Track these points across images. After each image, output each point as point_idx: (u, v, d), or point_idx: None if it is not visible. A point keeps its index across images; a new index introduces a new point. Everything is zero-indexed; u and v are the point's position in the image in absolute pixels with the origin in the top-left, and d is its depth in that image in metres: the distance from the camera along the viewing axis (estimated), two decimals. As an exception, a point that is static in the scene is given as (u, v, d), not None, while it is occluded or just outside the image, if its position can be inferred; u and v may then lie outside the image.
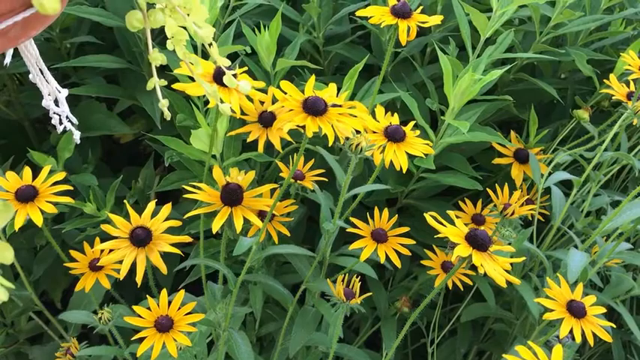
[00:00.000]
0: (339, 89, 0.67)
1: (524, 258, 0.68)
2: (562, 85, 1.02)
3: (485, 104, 0.83)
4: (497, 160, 0.89)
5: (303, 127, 0.54)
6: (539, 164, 0.84)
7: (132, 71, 0.98)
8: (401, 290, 0.94)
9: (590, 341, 0.63)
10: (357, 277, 0.66)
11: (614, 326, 0.67)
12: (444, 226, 0.59)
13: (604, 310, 0.66)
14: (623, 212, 0.70)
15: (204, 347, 0.71)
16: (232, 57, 0.86)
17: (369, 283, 0.96)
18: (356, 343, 0.94)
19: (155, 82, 0.46)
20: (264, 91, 0.69)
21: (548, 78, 1.00)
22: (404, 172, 0.63)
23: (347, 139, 0.60)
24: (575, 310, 0.64)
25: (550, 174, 0.80)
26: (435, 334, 0.90)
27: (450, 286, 0.79)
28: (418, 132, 0.66)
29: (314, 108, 0.55)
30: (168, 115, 0.47)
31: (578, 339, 0.61)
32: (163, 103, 0.46)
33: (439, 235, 0.58)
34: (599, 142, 0.80)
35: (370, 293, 0.91)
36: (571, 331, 0.64)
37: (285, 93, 0.58)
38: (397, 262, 0.70)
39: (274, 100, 0.66)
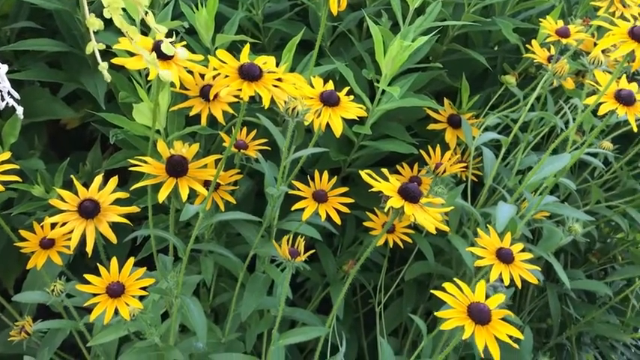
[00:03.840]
0: (278, 64, 0.70)
1: (452, 207, 0.73)
2: (493, 55, 1.07)
3: (418, 73, 0.87)
4: (431, 126, 0.93)
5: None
6: (472, 128, 0.89)
7: (74, 55, 0.99)
8: (349, 255, 0.98)
9: (518, 284, 0.68)
10: (301, 237, 0.69)
11: (540, 269, 0.72)
12: (379, 182, 0.63)
13: (531, 256, 0.71)
14: (545, 166, 0.76)
15: (157, 315, 0.74)
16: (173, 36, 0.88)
17: (318, 251, 1.00)
18: (308, 309, 0.98)
19: (94, 46, 0.48)
20: (205, 67, 0.72)
21: (479, 48, 1.06)
22: (338, 135, 0.66)
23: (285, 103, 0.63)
24: (504, 256, 0.69)
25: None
26: (381, 296, 0.94)
27: (391, 243, 0.83)
28: (352, 97, 0.70)
29: (249, 73, 0.58)
30: (108, 78, 0.49)
31: (507, 281, 0.66)
32: (103, 66, 0.49)
33: (373, 190, 0.62)
34: (525, 104, 0.85)
35: (313, 254, 0.95)
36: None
37: (223, 62, 0.61)
38: (337, 220, 0.74)
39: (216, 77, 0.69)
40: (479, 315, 0.52)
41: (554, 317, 1.06)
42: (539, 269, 0.71)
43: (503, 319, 0.55)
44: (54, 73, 1.00)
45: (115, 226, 0.72)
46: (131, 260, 0.67)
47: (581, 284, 1.01)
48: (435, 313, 0.54)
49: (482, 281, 0.56)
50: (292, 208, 0.75)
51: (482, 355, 0.51)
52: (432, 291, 0.57)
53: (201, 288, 0.92)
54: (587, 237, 1.13)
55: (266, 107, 0.57)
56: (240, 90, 0.58)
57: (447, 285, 0.55)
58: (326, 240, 1.06)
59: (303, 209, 0.76)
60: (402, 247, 0.85)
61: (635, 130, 0.68)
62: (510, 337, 0.55)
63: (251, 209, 1.04)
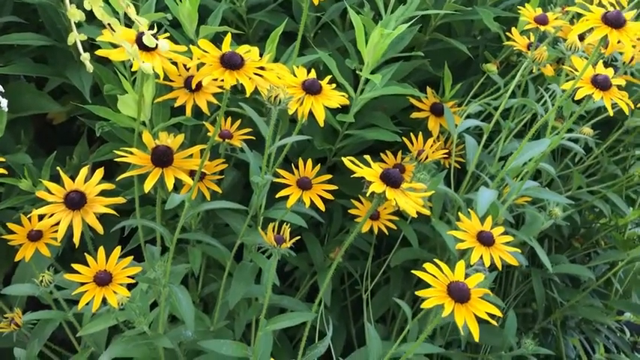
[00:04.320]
0: (262, 55, 0.71)
1: (433, 192, 0.74)
2: (475, 44, 1.09)
3: (400, 62, 0.88)
4: (415, 115, 0.95)
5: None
6: (454, 116, 0.90)
7: (59, 49, 0.99)
8: (336, 244, 0.99)
9: (499, 265, 0.69)
10: (286, 224, 0.70)
11: (520, 251, 0.74)
12: (362, 168, 0.64)
13: (511, 239, 0.73)
14: (525, 151, 0.77)
15: (146, 304, 0.75)
16: (157, 29, 0.89)
17: (305, 240, 1.02)
18: (296, 297, 0.99)
19: (75, 37, 0.49)
20: (189, 58, 0.72)
21: (462, 37, 1.07)
22: (321, 122, 0.67)
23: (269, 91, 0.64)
24: (484, 239, 0.70)
25: (463, 124, 0.87)
26: (368, 283, 0.96)
27: (376, 230, 0.85)
28: (334, 85, 0.71)
29: (231, 62, 0.58)
30: (90, 68, 0.50)
31: (487, 263, 0.68)
32: (85, 57, 0.50)
33: (355, 175, 0.63)
34: (506, 91, 0.86)
35: (301, 243, 0.97)
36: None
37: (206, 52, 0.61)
38: (321, 206, 0.75)
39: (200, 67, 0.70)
40: (458, 293, 0.54)
41: (538, 302, 1.08)
42: (520, 251, 0.73)
43: (485, 300, 0.56)
44: (39, 67, 1.00)
45: (103, 219, 0.72)
46: (118, 249, 0.68)
47: (565, 268, 1.03)
48: (416, 292, 0.55)
49: (461, 261, 0.57)
50: (277, 196, 0.76)
51: (463, 332, 0.53)
52: (413, 271, 0.58)
53: (189, 278, 0.93)
54: (571, 223, 1.15)
55: (248, 95, 0.58)
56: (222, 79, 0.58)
57: (427, 266, 0.57)
58: (313, 229, 1.08)
59: (288, 197, 0.77)
60: (387, 233, 0.86)
61: (612, 114, 0.69)
62: (493, 317, 0.57)
63: (238, 200, 1.04)
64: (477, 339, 0.53)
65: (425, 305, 0.54)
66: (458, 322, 0.52)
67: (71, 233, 0.69)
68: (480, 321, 1.05)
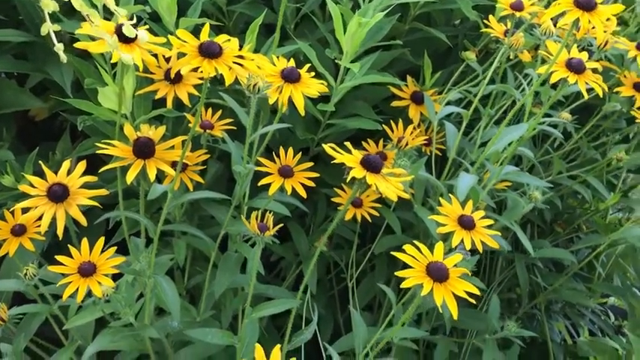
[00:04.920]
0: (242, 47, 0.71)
1: (412, 176, 0.75)
2: (455, 33, 1.10)
3: (380, 51, 0.89)
4: (395, 103, 0.96)
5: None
6: (434, 104, 0.91)
7: (39, 45, 0.99)
8: (320, 233, 1.00)
9: (479, 248, 0.70)
10: (269, 212, 0.71)
11: (500, 234, 0.75)
12: (342, 154, 0.65)
13: (491, 222, 0.74)
14: (503, 136, 0.78)
15: (131, 294, 0.75)
16: (137, 22, 0.89)
17: (290, 230, 1.02)
18: (282, 287, 1.00)
19: (49, 27, 0.49)
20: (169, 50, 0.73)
21: (442, 26, 1.08)
22: (301, 110, 0.68)
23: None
24: (465, 223, 0.71)
25: (444, 112, 0.88)
26: (353, 271, 0.97)
27: (359, 217, 0.86)
28: (313, 74, 0.72)
29: (209, 51, 0.59)
30: (64, 59, 0.50)
31: (468, 246, 0.69)
32: (59, 47, 0.50)
33: (336, 161, 0.64)
34: (484, 78, 0.87)
35: (286, 234, 0.97)
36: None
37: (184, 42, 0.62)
38: (303, 193, 0.76)
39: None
40: (437, 273, 0.55)
41: (522, 286, 1.09)
42: (500, 234, 0.74)
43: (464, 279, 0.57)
44: (20, 64, 1.00)
45: (87, 214, 0.73)
46: (101, 240, 0.69)
47: (547, 252, 1.05)
48: (396, 273, 0.56)
49: (440, 242, 0.58)
50: (259, 184, 0.77)
51: (441, 310, 0.54)
52: (392, 252, 0.59)
53: (175, 271, 0.94)
54: (553, 208, 1.17)
55: (227, 85, 0.58)
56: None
57: (407, 247, 0.58)
58: (298, 220, 1.08)
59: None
60: (370, 221, 0.87)
61: (586, 96, 0.70)
62: (473, 297, 0.57)
63: (223, 192, 1.05)
64: (455, 317, 0.54)
65: (404, 285, 0.55)
66: (437, 301, 0.53)
67: (56, 229, 0.69)
68: (465, 306, 1.06)
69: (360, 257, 0.99)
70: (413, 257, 0.57)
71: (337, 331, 1.09)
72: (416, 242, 0.58)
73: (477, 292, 0.55)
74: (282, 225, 1.05)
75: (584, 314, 1.33)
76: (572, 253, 1.10)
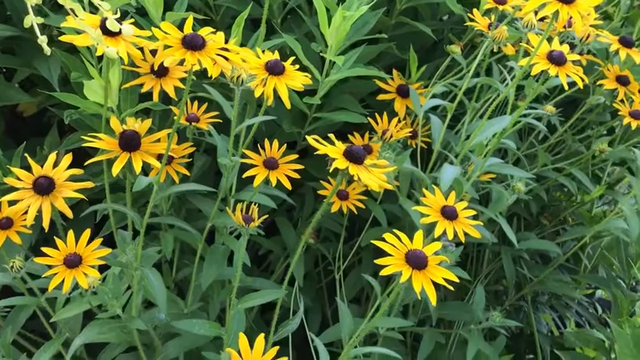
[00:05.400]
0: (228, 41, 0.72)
1: (395, 167, 0.76)
2: (441, 27, 1.11)
3: (365, 45, 0.89)
4: (381, 96, 0.96)
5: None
6: (420, 97, 0.92)
7: (26, 40, 0.99)
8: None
9: (462, 238, 0.71)
10: (255, 204, 0.71)
11: (482, 223, 0.76)
12: (325, 146, 0.66)
13: (474, 213, 0.75)
14: (486, 128, 0.79)
15: (118, 287, 0.75)
16: (124, 17, 0.89)
17: (278, 224, 1.03)
18: (270, 280, 1.01)
19: (32, 20, 0.49)
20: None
21: (428, 21, 1.09)
22: (286, 102, 0.69)
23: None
24: (448, 213, 0.72)
25: (429, 104, 0.89)
26: (340, 263, 0.97)
27: (345, 209, 0.86)
28: (298, 66, 0.72)
29: (192, 43, 0.59)
30: (48, 51, 0.51)
31: (450, 236, 0.70)
32: (42, 39, 0.50)
33: (319, 152, 0.64)
34: (469, 71, 0.88)
35: (274, 228, 0.98)
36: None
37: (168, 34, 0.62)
38: (287, 185, 0.76)
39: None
40: (416, 260, 0.55)
41: (508, 278, 1.10)
42: (482, 224, 0.75)
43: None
44: (7, 58, 1.00)
45: (75, 209, 0.73)
46: (87, 232, 0.69)
47: (533, 244, 1.06)
48: (375, 261, 0.57)
49: (420, 231, 0.59)
50: (243, 176, 0.77)
51: (420, 297, 0.55)
52: (372, 241, 0.60)
53: (163, 264, 0.94)
54: (538, 201, 1.18)
55: (211, 76, 0.59)
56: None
57: (387, 236, 0.58)
58: (286, 214, 1.09)
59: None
60: (357, 213, 0.88)
61: (567, 88, 0.71)
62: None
63: (210, 186, 1.06)
64: (433, 303, 0.55)
65: (383, 272, 0.55)
66: (415, 288, 0.54)
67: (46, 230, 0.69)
68: (452, 298, 1.07)
69: (347, 250, 1.00)
70: (393, 246, 0.57)
71: (325, 323, 1.10)
72: (396, 231, 0.59)
73: (456, 279, 0.56)
74: (270, 219, 1.07)
75: (570, 306, 1.34)
76: (558, 246, 1.11)
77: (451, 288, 0.55)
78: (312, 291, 1.09)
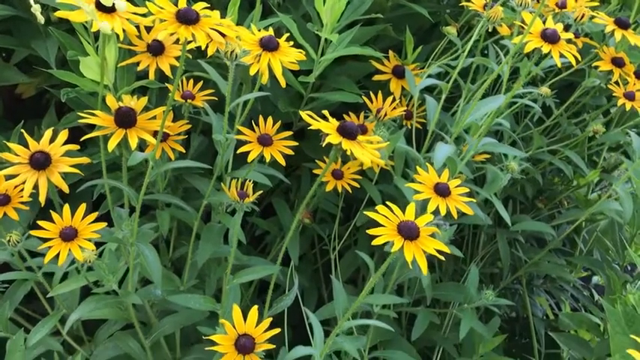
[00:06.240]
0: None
1: (387, 143, 0.76)
2: (438, 9, 1.11)
3: (360, 25, 0.90)
4: (377, 77, 0.97)
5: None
6: (415, 78, 0.93)
7: (24, 21, 0.99)
8: (304, 208, 1.01)
9: (454, 215, 0.72)
10: (250, 181, 0.72)
11: (475, 200, 0.76)
12: (319, 122, 0.66)
13: (467, 190, 0.75)
14: (479, 108, 0.80)
15: (114, 262, 0.76)
16: None
17: (275, 205, 1.04)
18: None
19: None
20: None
21: (425, 2, 1.09)
22: (280, 79, 0.69)
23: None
24: (441, 190, 0.72)
25: (424, 85, 0.89)
26: (336, 243, 0.98)
27: (340, 189, 0.87)
28: (292, 43, 0.73)
29: (186, 17, 0.60)
30: (41, 19, 0.51)
31: (443, 212, 0.70)
32: (36, 8, 0.51)
33: (312, 128, 0.65)
34: (463, 51, 0.89)
35: (271, 209, 0.99)
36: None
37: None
38: (282, 162, 0.77)
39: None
40: (407, 231, 0.56)
41: (503, 260, 1.11)
42: (474, 201, 0.75)
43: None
44: (5, 39, 1.00)
45: (72, 188, 0.74)
46: (83, 206, 0.70)
47: (527, 225, 1.06)
48: (367, 231, 0.57)
49: (412, 204, 0.60)
50: (237, 151, 0.78)
51: (411, 267, 0.55)
52: (364, 212, 0.60)
53: (160, 243, 0.95)
54: (534, 184, 1.19)
55: (204, 49, 0.59)
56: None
57: (379, 207, 0.59)
58: (283, 195, 1.10)
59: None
60: (351, 192, 0.89)
61: (559, 65, 0.72)
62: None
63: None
64: (424, 272, 0.55)
65: (375, 242, 0.56)
66: (407, 258, 0.55)
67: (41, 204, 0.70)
68: (448, 280, 1.07)
69: (344, 232, 1.01)
70: (386, 217, 0.58)
71: (322, 304, 1.10)
72: (389, 203, 0.59)
73: (447, 250, 0.57)
74: (267, 201, 1.07)
75: (565, 289, 1.35)
76: (554, 229, 1.12)
77: (442, 258, 0.56)
78: (308, 272, 1.09)
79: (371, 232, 0.56)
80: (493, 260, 1.20)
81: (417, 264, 0.55)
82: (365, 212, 0.59)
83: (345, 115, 0.93)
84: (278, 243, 1.03)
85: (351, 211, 1.08)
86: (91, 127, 0.76)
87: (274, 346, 0.63)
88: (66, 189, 0.70)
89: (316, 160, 0.91)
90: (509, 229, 1.07)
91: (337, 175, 0.88)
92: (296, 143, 0.80)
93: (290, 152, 0.78)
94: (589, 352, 1.07)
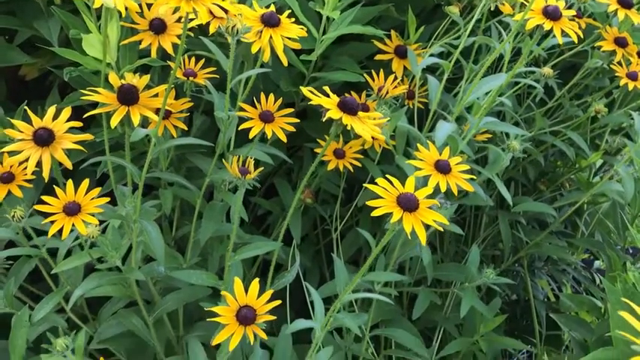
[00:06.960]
0: None
1: (387, 119, 0.76)
2: (441, -10, 1.10)
3: (362, 4, 0.90)
4: (379, 57, 0.97)
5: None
6: (417, 57, 0.93)
7: (27, 1, 1.00)
8: (306, 188, 1.02)
9: (455, 191, 0.72)
10: (251, 158, 0.72)
11: (475, 178, 0.77)
12: (319, 97, 0.67)
13: (468, 167, 0.75)
14: (480, 86, 0.80)
15: (118, 238, 0.77)
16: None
17: (277, 185, 1.04)
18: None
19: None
20: None
21: (428, -18, 1.09)
22: (280, 54, 0.69)
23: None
24: (441, 167, 0.73)
25: (426, 64, 0.89)
26: (338, 223, 0.99)
27: (341, 168, 0.87)
28: (294, 19, 0.73)
29: (187, -9, 0.60)
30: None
31: (443, 188, 0.71)
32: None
33: (312, 103, 0.65)
34: (465, 30, 0.89)
35: (273, 189, 0.99)
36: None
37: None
38: (283, 138, 0.77)
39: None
40: (407, 203, 0.56)
41: (505, 241, 1.11)
42: (475, 178, 0.76)
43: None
44: (8, 19, 1.01)
45: (75, 167, 0.74)
46: (86, 182, 0.70)
47: (529, 206, 1.06)
48: (367, 202, 0.58)
49: (411, 177, 0.60)
50: (239, 128, 0.78)
51: (410, 237, 0.56)
52: (364, 185, 0.61)
53: (163, 222, 0.95)
54: (536, 167, 1.19)
55: (204, 23, 0.60)
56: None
57: (379, 180, 0.59)
58: (285, 176, 1.10)
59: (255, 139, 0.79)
60: (353, 172, 0.89)
61: (561, 42, 0.72)
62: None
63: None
64: (423, 243, 0.56)
65: (375, 213, 0.56)
66: (406, 229, 0.55)
67: (45, 183, 0.70)
68: (450, 260, 1.08)
69: (345, 212, 1.01)
70: (385, 189, 0.58)
71: (324, 283, 1.11)
72: (389, 176, 0.59)
73: (445, 221, 0.57)
74: (268, 180, 1.08)
75: (567, 271, 1.35)
76: (555, 211, 1.12)
77: (440, 229, 0.56)
78: (310, 252, 1.10)
79: (371, 203, 0.56)
80: (494, 242, 1.21)
81: (418, 238, 0.55)
82: (365, 185, 0.59)
83: (346, 94, 0.93)
84: (280, 223, 1.03)
85: (352, 192, 1.09)
86: (94, 107, 0.76)
87: (275, 317, 0.64)
88: (69, 165, 0.70)
89: (318, 140, 0.91)
90: (511, 210, 1.08)
91: (339, 154, 0.88)
92: (297, 120, 0.80)
93: (291, 129, 0.78)
94: (590, 333, 1.08)
